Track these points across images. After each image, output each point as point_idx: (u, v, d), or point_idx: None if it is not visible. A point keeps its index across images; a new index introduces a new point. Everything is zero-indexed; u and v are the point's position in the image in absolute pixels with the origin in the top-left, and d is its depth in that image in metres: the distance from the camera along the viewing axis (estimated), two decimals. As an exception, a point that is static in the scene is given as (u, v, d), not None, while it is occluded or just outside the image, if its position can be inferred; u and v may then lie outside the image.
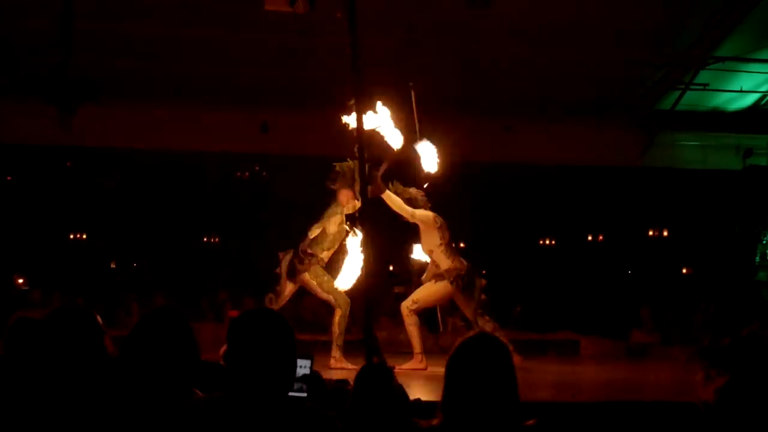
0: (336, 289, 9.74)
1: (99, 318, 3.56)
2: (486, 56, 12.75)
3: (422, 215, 9.83)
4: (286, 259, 10.03)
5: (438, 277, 9.87)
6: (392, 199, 9.63)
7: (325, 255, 9.97)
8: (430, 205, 9.97)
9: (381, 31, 11.29)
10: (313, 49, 11.82)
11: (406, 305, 9.93)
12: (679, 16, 12.73)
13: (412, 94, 10.04)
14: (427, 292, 9.99)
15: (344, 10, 6.34)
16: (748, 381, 3.46)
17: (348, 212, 9.96)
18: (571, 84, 13.59)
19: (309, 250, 9.85)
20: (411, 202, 9.86)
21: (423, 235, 10.00)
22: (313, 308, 12.80)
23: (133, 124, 13.59)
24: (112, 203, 16.67)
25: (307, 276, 9.93)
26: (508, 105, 13.80)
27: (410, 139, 9.84)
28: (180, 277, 16.17)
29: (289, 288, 10.07)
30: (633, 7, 12.33)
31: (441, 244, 9.86)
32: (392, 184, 9.78)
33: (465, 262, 9.88)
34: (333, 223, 9.93)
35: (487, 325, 9.60)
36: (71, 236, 18.33)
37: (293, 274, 9.93)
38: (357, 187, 9.49)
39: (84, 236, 18.40)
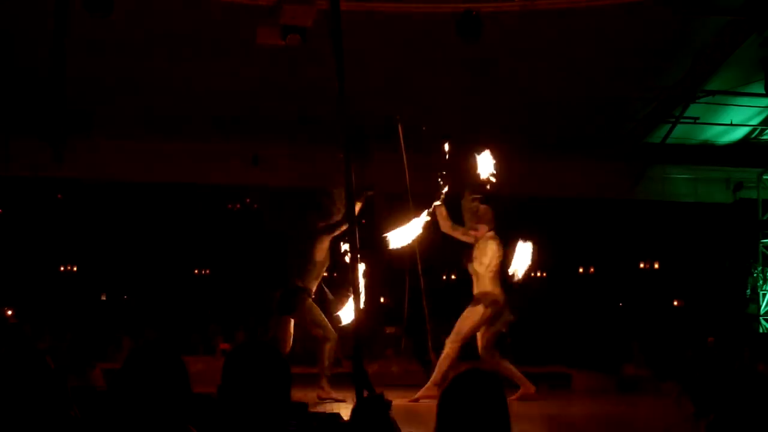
0: (326, 322, 9.58)
1: (50, 361, 3.52)
2: (474, 90, 12.77)
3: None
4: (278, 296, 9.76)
5: (475, 301, 9.76)
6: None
7: (314, 285, 9.75)
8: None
9: (372, 64, 11.36)
10: (303, 80, 11.84)
11: (451, 339, 9.76)
12: (669, 50, 12.80)
13: (399, 126, 10.03)
14: (467, 320, 9.82)
15: (332, 43, 6.40)
16: (739, 416, 3.45)
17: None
18: (562, 117, 13.63)
19: (301, 284, 9.65)
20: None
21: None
22: (302, 340, 12.71)
23: (123, 157, 13.57)
24: (102, 236, 16.63)
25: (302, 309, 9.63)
26: (497, 138, 13.82)
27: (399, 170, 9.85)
28: (171, 310, 16.12)
29: (290, 324, 9.75)
30: (623, 41, 12.38)
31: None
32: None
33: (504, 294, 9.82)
34: (319, 252, 9.75)
35: (495, 356, 9.57)
36: (62, 268, 18.28)
37: (291, 310, 9.68)
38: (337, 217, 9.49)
39: (74, 268, 18.35)
